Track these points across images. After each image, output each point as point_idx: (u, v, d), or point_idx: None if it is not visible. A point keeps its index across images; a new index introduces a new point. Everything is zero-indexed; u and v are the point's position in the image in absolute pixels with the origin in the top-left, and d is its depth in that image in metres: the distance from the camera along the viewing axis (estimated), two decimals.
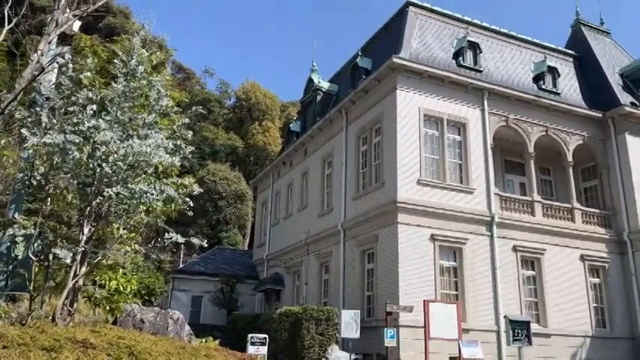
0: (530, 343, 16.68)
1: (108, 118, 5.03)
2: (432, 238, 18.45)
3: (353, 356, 16.27)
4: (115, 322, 6.01)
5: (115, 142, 4.81)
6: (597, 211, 22.27)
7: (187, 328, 7.04)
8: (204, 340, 8.50)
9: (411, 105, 19.61)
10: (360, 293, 19.91)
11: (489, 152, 20.57)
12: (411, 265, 17.74)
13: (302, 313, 17.05)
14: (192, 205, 6.71)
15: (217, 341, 8.76)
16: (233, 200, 46.44)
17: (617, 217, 22.07)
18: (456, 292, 18.48)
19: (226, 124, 63.23)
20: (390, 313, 15.46)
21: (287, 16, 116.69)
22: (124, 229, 4.98)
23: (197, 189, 6.59)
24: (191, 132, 7.17)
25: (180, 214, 41.62)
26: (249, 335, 15.11)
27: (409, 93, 19.74)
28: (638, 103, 22.92)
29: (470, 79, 20.80)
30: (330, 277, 22.68)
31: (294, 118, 36.09)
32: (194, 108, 6.85)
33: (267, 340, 14.99)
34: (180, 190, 6.37)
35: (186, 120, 6.92)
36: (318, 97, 27.34)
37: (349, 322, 15.88)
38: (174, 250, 44.27)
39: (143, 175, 5.05)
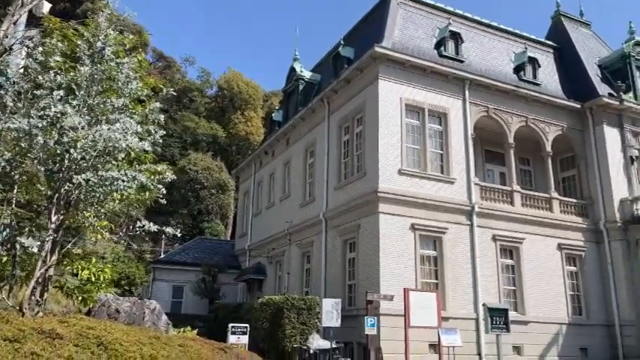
0: (508, 330, 16.95)
1: (75, 102, 4.87)
2: (413, 227, 18.56)
3: (334, 344, 16.35)
4: (89, 313, 5.91)
5: (83, 127, 4.66)
6: (575, 200, 22.64)
7: (164, 317, 6.97)
8: (182, 330, 8.42)
9: (392, 95, 19.61)
10: (342, 282, 19.99)
11: (470, 142, 20.71)
12: (392, 254, 17.85)
13: (283, 302, 17.06)
14: (164, 192, 6.56)
15: (196, 331, 8.69)
16: (215, 190, 46.15)
17: (594, 206, 22.47)
18: (436, 281, 18.67)
19: (208, 113, 62.66)
20: (370, 302, 15.55)
21: (270, 4, 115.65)
22: (94, 217, 4.85)
23: (170, 176, 6.44)
24: (163, 115, 6.97)
25: (161, 204, 41.43)
26: (230, 325, 15.08)
27: (391, 83, 19.73)
28: (616, 95, 23.25)
29: (451, 69, 20.86)
30: (311, 267, 22.73)
31: (277, 108, 35.87)
32: (165, 90, 6.64)
33: (248, 330, 14.98)
34: (153, 177, 6.21)
35: (158, 104, 6.75)
36: (301, 87, 27.18)
37: (330, 311, 15.93)
38: (156, 241, 43.96)
39: (114, 162, 4.91)
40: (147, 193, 6.41)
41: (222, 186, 46.62)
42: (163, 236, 42.16)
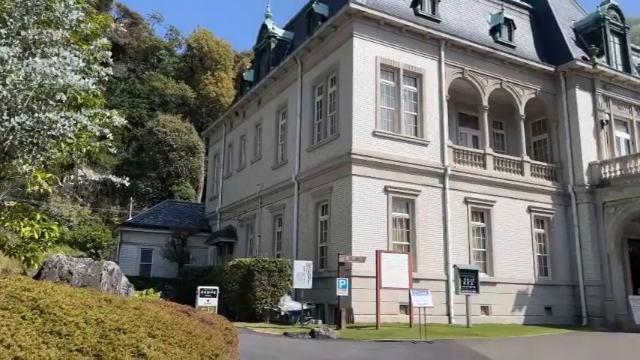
0: (477, 291, 17.18)
1: (4, 31, 4.26)
2: (386, 190, 18.38)
3: (305, 306, 16.28)
4: (38, 276, 5.46)
5: (12, 60, 4.08)
6: (545, 164, 22.82)
7: (125, 280, 6.54)
8: (144, 292, 8.03)
9: (367, 54, 19.05)
10: (314, 245, 19.84)
11: (445, 104, 20.45)
12: (365, 216, 17.69)
13: (254, 264, 16.82)
14: (112, 139, 6.00)
15: (159, 294, 8.31)
16: (184, 153, 45.03)
17: (564, 170, 22.70)
18: (407, 243, 18.67)
19: (177, 73, 60.65)
20: (342, 264, 15.43)
21: None
22: (31, 165, 4.32)
23: (120, 120, 5.86)
24: (110, 52, 6.33)
25: (129, 165, 40.10)
26: (199, 287, 14.76)
27: (366, 41, 19.12)
28: (589, 58, 23.22)
29: (427, 29, 20.35)
30: (283, 230, 22.48)
31: (248, 68, 34.80)
32: (108, 29, 5.92)
33: (218, 292, 14.70)
34: (99, 121, 5.64)
35: (105, 40, 6.10)
36: (273, 45, 26.27)
37: (301, 273, 15.77)
38: (124, 204, 42.95)
39: (52, 102, 4.37)
40: (97, 144, 5.84)
41: (191, 148, 45.51)
42: (131, 199, 41.25)
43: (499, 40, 22.99)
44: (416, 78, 20.15)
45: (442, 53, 20.64)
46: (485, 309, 19.35)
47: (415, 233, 18.67)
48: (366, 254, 16.45)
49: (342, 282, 14.96)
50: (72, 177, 5.79)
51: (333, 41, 20.24)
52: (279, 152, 23.93)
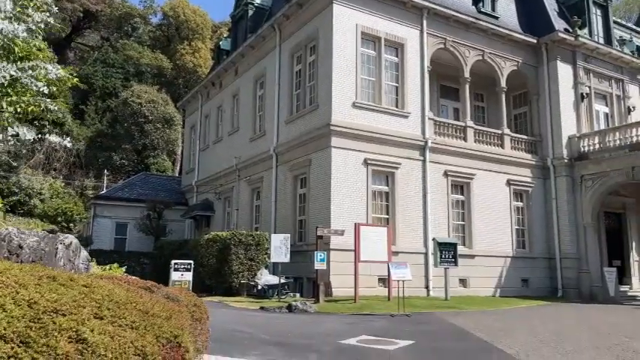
0: (456, 264, 17.14)
1: None
2: (366, 162, 18.05)
3: (283, 280, 16.03)
4: None
5: None
6: (525, 137, 22.73)
7: (84, 254, 6.08)
8: (107, 267, 7.59)
9: (347, 21, 18.42)
10: (292, 218, 19.51)
11: (426, 75, 20.04)
12: (344, 189, 17.38)
13: (230, 238, 16.44)
14: (51, 94, 5.45)
15: (124, 269, 7.88)
16: (160, 124, 43.87)
17: (543, 143, 22.65)
18: (387, 216, 18.47)
19: (152, 42, 58.83)
20: (320, 237, 15.14)
21: None
22: None
23: (56, 72, 5.30)
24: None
25: (104, 137, 38.77)
26: (173, 261, 14.37)
27: (346, 8, 18.47)
28: (571, 30, 22.95)
29: None
30: (261, 203, 22.08)
31: (225, 36, 33.72)
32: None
33: (192, 266, 14.31)
34: (41, 77, 5.07)
35: None
36: (250, 12, 25.37)
37: (279, 247, 15.46)
38: (99, 177, 41.90)
39: None
40: (41, 104, 5.28)
41: (168, 120, 44.33)
42: (106, 172, 40.25)
43: (482, 10, 22.52)
44: (397, 48, 19.64)
45: (424, 22, 20.12)
46: (463, 282, 19.40)
47: (395, 206, 18.46)
48: (345, 227, 16.20)
49: (321, 255, 14.71)
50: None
51: (313, 8, 19.53)
52: (257, 123, 23.34)
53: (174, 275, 13.98)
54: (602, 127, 23.34)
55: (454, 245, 17.28)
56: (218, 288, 17.03)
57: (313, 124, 18.57)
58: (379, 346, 8.42)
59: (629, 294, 22.08)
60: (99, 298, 3.42)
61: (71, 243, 5.58)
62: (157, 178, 34.14)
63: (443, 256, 16.83)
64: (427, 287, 18.41)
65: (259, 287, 15.70)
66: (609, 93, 24.30)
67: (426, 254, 18.61)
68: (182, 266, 14.16)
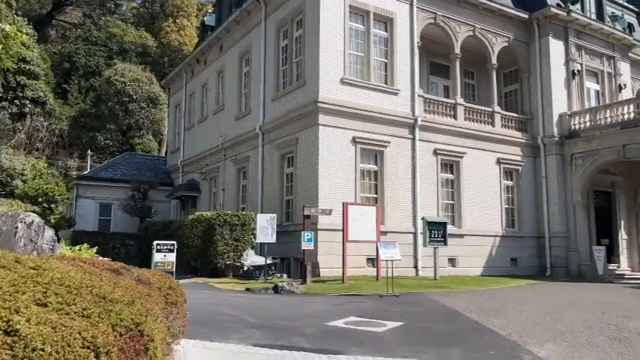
0: (445, 243, 16.90)
1: None
2: (354, 140, 17.63)
3: (269, 261, 15.69)
4: None
5: None
6: (516, 115, 22.40)
7: (49, 234, 5.63)
8: (77, 248, 7.14)
9: None
10: (279, 198, 19.11)
11: (416, 51, 19.54)
12: (332, 168, 16.98)
13: (215, 218, 16.02)
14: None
15: (95, 249, 7.44)
16: (145, 104, 42.89)
17: (534, 121, 22.35)
18: (375, 196, 18.13)
19: (136, 20, 57.39)
20: (308, 217, 14.77)
21: None
22: None
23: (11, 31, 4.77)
24: None
25: (87, 117, 37.74)
26: (155, 242, 13.92)
27: None
28: (563, 5, 22.50)
29: None
30: (247, 183, 21.62)
31: (210, 12, 32.76)
32: None
33: (176, 247, 13.89)
34: None
35: None
36: None
37: (265, 227, 15.07)
38: (84, 157, 41.01)
39: None
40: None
41: (153, 99, 43.35)
42: (89, 152, 39.41)
43: None
44: (386, 22, 19.08)
45: None
46: (452, 261, 19.22)
47: (383, 185, 18.12)
48: (332, 207, 15.83)
49: (308, 235, 14.35)
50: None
51: None
52: (243, 101, 22.74)
53: (157, 257, 13.55)
54: (593, 104, 23.09)
55: (444, 224, 17.03)
56: (203, 269, 16.66)
57: (300, 101, 18.05)
58: (367, 328, 8.11)
59: (617, 272, 22.09)
60: (46, 282, 3.00)
61: (33, 222, 5.13)
62: (141, 158, 33.44)
63: (432, 236, 16.57)
64: (416, 267, 18.20)
65: (245, 268, 15.35)
66: (600, 70, 23.98)
67: (414, 234, 18.36)
68: (165, 247, 13.72)
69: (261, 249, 16.59)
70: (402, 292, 12.75)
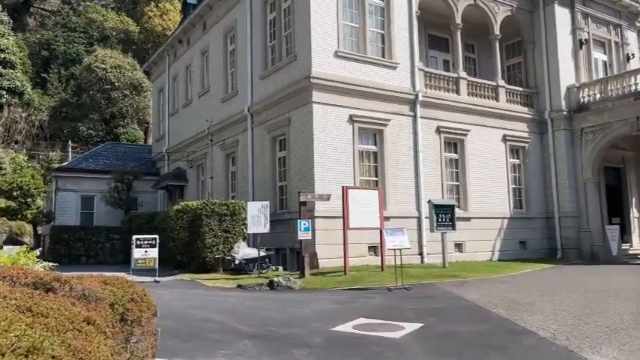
0: (454, 228, 15.63)
1: None
2: (351, 119, 16.21)
3: (263, 253, 14.32)
4: None
5: None
6: (521, 89, 21.05)
7: None
8: (17, 251, 5.76)
9: None
10: (272, 184, 17.71)
11: (415, 21, 18.08)
12: (328, 149, 15.57)
13: (202, 208, 14.59)
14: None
15: (38, 251, 6.06)
16: (129, 91, 41.09)
17: (540, 95, 21.03)
18: (376, 179, 16.78)
19: (117, 5, 55.17)
20: (304, 203, 13.39)
21: None
22: None
23: None
24: None
25: (68, 106, 35.85)
26: (134, 237, 12.51)
27: None
28: None
29: None
30: (237, 169, 20.17)
31: None
32: None
33: (158, 241, 12.48)
34: None
35: None
36: None
37: (257, 216, 13.69)
38: (66, 148, 39.24)
39: None
40: None
41: (136, 86, 41.53)
42: (70, 142, 37.65)
43: None
44: None
45: None
46: (459, 246, 17.97)
47: (384, 167, 16.76)
48: (330, 192, 14.46)
49: (304, 224, 12.98)
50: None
51: None
52: (229, 82, 21.18)
53: (137, 253, 12.16)
54: (601, 76, 21.76)
55: (451, 207, 15.73)
56: (191, 264, 15.27)
57: (291, 78, 16.57)
58: (381, 333, 6.79)
59: (630, 252, 20.99)
60: None
61: None
62: (125, 148, 31.81)
63: (439, 220, 15.27)
64: (421, 254, 16.93)
65: (237, 262, 13.98)
66: (607, 40, 22.63)
67: (419, 218, 17.06)
68: (146, 242, 12.32)
69: (254, 240, 15.22)
70: (411, 284, 11.47)
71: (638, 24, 24.26)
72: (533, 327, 6.90)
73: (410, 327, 7.06)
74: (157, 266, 12.25)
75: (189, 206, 15.08)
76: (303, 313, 8.27)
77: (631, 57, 22.97)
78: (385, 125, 16.90)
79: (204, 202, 14.85)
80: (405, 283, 11.38)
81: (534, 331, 6.70)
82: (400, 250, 11.57)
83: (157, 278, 12.53)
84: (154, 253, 12.30)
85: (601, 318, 7.45)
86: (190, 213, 14.85)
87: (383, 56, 17.41)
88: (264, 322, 7.47)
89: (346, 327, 7.14)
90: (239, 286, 11.69)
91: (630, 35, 23.39)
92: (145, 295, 4.78)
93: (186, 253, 15.16)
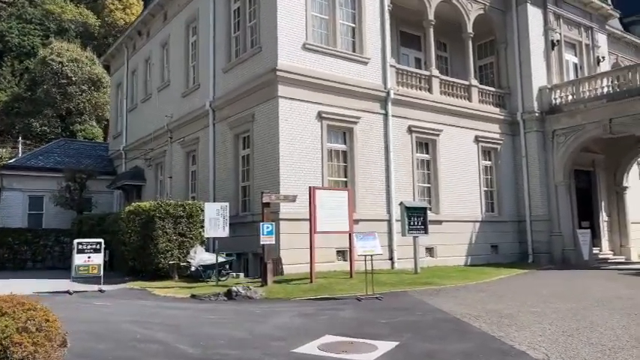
0: (426, 232, 14.86)
1: None
2: (320, 115, 15.27)
3: (222, 258, 13.19)
4: None
5: None
6: (493, 89, 20.57)
7: None
8: None
9: None
10: (234, 185, 16.59)
11: (387, 15, 17.30)
12: (295, 147, 14.58)
13: (155, 209, 13.35)
14: None
15: None
16: (87, 86, 39.09)
17: (512, 96, 20.59)
18: (345, 179, 15.88)
19: None
20: (267, 205, 12.34)
21: None
22: None
23: None
24: None
25: (21, 101, 33.64)
26: (76, 241, 11.21)
27: None
28: None
29: None
30: (198, 169, 18.95)
31: None
32: None
33: (103, 246, 11.22)
34: None
35: None
36: None
37: (215, 218, 12.56)
38: (15, 145, 36.94)
39: None
40: None
41: (95, 82, 39.53)
42: (20, 139, 35.43)
43: None
44: None
45: None
46: (430, 250, 17.25)
47: (354, 168, 15.88)
48: (297, 193, 13.46)
49: (268, 227, 11.94)
50: None
51: None
52: (191, 75, 19.94)
53: (79, 258, 10.87)
54: (572, 78, 21.50)
55: (424, 210, 14.96)
56: (145, 271, 13.99)
57: (256, 71, 15.51)
58: (351, 355, 5.84)
59: (600, 257, 20.76)
60: None
61: None
62: (79, 145, 30.01)
63: (411, 223, 14.47)
64: (391, 259, 16.12)
65: (193, 268, 12.80)
66: (579, 41, 22.43)
67: (389, 221, 16.25)
68: (89, 246, 11.03)
69: (213, 245, 14.07)
70: (383, 293, 10.59)
71: (608, 27, 24.23)
72: (522, 345, 6.08)
73: (384, 346, 6.13)
74: (101, 274, 11.00)
75: (142, 207, 13.80)
76: (262, 330, 7.24)
77: (601, 60, 22.84)
78: (355, 123, 16.03)
79: (157, 203, 13.60)
80: (376, 291, 10.50)
81: (524, 350, 5.87)
82: (372, 255, 10.66)
83: (102, 287, 11.25)
84: (98, 259, 11.03)
85: (593, 334, 6.70)
86: (143, 215, 13.57)
87: (354, 51, 16.55)
88: (215, 343, 6.40)
89: (311, 347, 6.16)
90: (193, 296, 10.54)
91: (601, 38, 23.28)
92: (47, 321, 3.68)
93: (138, 259, 13.87)
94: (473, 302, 9.39)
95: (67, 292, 11.02)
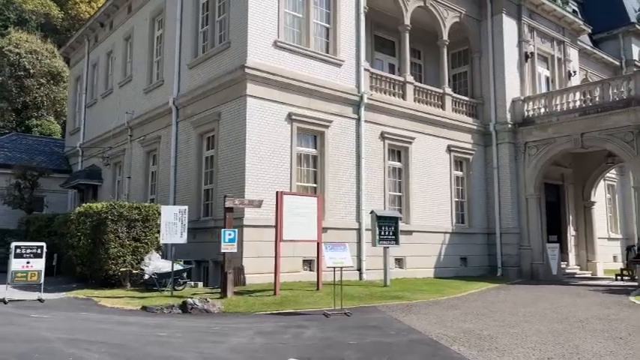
0: (397, 242, 14.26)
1: None
2: (290, 117, 14.53)
3: (180, 266, 12.23)
4: None
5: None
6: (467, 99, 20.27)
7: None
8: None
9: None
10: (196, 187, 15.65)
11: (362, 17, 16.74)
12: (262, 150, 13.78)
13: (107, 211, 12.27)
14: None
15: None
16: (45, 80, 37.22)
17: (485, 106, 20.35)
18: (314, 185, 15.16)
19: None
20: (230, 209, 11.48)
21: None
22: None
23: None
24: None
25: None
26: (14, 244, 10.08)
27: None
28: None
29: None
30: (158, 169, 17.89)
31: None
32: None
33: (45, 250, 10.13)
34: None
35: None
36: None
37: (172, 223, 11.61)
38: None
39: None
40: None
41: (55, 75, 37.70)
42: None
43: None
44: None
45: None
46: (399, 261, 16.70)
47: (324, 173, 15.17)
48: (263, 198, 12.65)
49: (230, 234, 11.07)
50: None
51: None
52: (155, 71, 18.90)
53: (16, 264, 9.76)
54: (544, 90, 21.45)
55: (395, 220, 14.37)
56: (95, 277, 12.88)
57: (224, 68, 14.66)
58: None
59: (568, 271, 20.65)
60: None
61: None
62: (33, 140, 28.34)
63: (382, 233, 13.85)
64: (360, 270, 15.44)
65: (146, 276, 11.79)
66: (551, 55, 22.43)
67: (359, 230, 15.59)
68: (29, 251, 9.92)
69: (170, 251, 13.08)
70: (352, 307, 9.88)
71: (579, 42, 24.40)
72: None
73: None
74: (41, 281, 9.92)
75: (94, 208, 12.70)
76: (216, 353, 6.39)
77: (572, 74, 22.93)
78: (327, 127, 15.35)
79: (110, 205, 12.52)
80: (345, 305, 9.78)
81: None
82: (341, 267, 9.94)
83: (42, 296, 10.14)
84: (38, 264, 9.93)
85: (578, 356, 6.13)
86: (94, 216, 12.49)
87: (327, 52, 15.91)
88: None
89: None
90: (144, 307, 9.57)
91: (572, 52, 23.39)
92: None
93: (87, 264, 12.76)
94: (447, 321, 8.77)
95: (2, 300, 9.88)
